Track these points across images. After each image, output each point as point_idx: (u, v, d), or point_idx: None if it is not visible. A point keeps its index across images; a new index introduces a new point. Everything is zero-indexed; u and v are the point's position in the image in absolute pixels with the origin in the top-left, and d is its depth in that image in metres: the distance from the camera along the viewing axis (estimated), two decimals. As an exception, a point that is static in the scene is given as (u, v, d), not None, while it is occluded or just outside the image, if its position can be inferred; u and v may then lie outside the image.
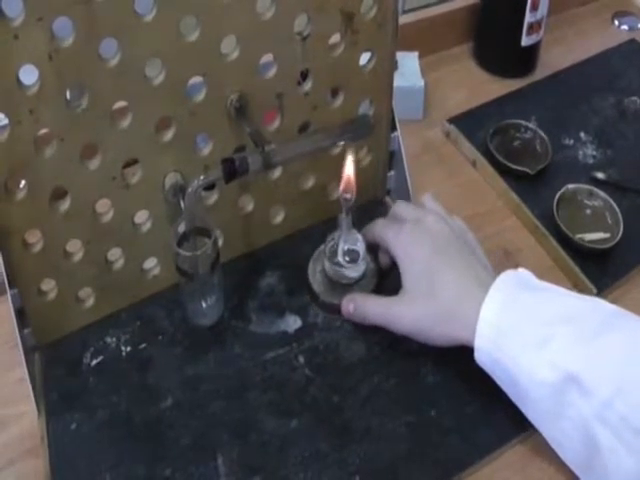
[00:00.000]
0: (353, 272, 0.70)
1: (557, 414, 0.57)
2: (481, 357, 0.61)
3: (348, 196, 0.66)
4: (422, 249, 0.65)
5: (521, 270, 0.63)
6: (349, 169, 0.66)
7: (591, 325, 0.58)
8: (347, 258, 0.69)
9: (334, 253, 0.69)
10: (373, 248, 0.72)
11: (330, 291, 0.71)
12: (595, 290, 0.74)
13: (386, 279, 0.72)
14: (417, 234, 0.66)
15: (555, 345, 0.57)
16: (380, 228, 0.70)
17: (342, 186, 0.66)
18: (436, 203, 0.71)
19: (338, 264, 0.70)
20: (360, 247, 0.69)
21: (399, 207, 0.71)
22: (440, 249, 0.65)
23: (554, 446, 0.60)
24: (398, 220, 0.69)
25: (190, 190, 0.61)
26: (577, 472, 0.59)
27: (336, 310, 0.70)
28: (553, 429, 0.59)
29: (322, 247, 0.71)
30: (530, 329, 0.58)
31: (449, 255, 0.65)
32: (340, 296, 0.70)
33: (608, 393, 0.54)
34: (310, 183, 0.75)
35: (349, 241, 0.69)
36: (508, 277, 0.62)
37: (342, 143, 0.68)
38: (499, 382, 0.61)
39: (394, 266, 0.68)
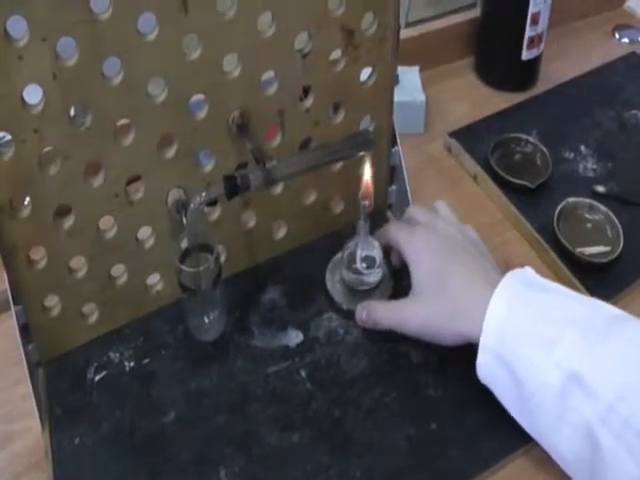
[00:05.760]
0: (371, 278, 0.71)
1: (560, 419, 0.57)
2: (485, 357, 0.61)
3: (366, 203, 0.66)
4: (432, 251, 0.66)
5: (528, 269, 0.64)
6: (367, 176, 0.67)
7: (597, 328, 0.58)
8: (364, 264, 0.70)
9: (352, 260, 0.70)
10: (386, 251, 0.73)
11: (351, 299, 0.72)
12: (595, 303, 0.74)
13: (403, 283, 0.72)
14: (428, 237, 0.68)
15: (563, 347, 0.57)
16: (393, 231, 0.71)
17: (360, 193, 0.67)
18: (449, 209, 0.72)
19: (356, 271, 0.70)
20: (377, 253, 0.70)
21: (413, 210, 0.73)
22: (450, 251, 0.66)
23: (552, 452, 0.60)
24: (411, 223, 0.71)
25: (192, 206, 0.61)
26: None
27: None
28: (554, 435, 0.58)
29: (338, 256, 0.72)
30: (538, 329, 0.59)
31: (458, 257, 0.66)
32: (361, 303, 0.71)
33: (612, 396, 0.54)
34: (312, 198, 0.76)
35: (366, 247, 0.70)
36: (515, 275, 0.63)
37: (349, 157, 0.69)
38: (499, 388, 0.61)
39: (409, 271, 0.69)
